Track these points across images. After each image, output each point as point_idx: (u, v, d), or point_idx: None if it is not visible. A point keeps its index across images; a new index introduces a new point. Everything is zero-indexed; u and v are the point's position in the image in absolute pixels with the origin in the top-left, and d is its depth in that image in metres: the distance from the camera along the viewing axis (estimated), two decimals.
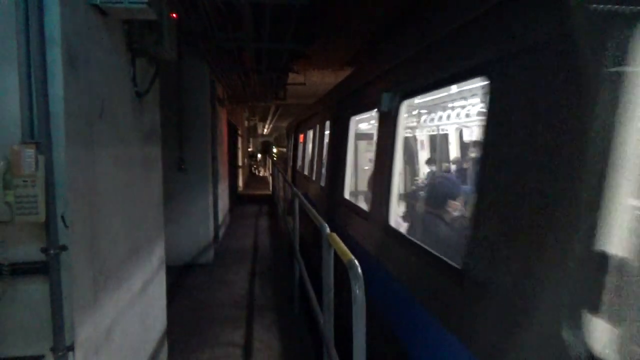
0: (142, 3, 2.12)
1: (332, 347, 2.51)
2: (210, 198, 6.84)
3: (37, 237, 1.80)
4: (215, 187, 7.12)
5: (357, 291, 1.77)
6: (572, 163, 1.29)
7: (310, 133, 7.44)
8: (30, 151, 1.68)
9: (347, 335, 2.03)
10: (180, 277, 5.96)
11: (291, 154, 10.84)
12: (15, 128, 1.73)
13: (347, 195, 4.31)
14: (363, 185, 4.16)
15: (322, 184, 5.61)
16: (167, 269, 3.61)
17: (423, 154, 5.86)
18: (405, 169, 3.51)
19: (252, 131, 26.91)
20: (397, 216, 3.20)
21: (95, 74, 2.14)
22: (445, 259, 2.02)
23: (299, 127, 9.56)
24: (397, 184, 2.99)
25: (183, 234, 6.43)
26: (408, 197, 3.68)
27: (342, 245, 2.14)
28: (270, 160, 23.51)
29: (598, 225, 1.20)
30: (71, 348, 1.84)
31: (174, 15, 2.83)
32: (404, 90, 2.81)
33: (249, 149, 26.87)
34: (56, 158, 1.78)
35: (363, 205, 3.98)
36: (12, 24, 1.71)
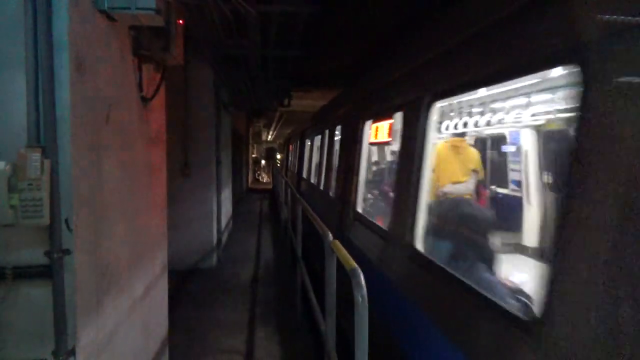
0: (150, 10, 2.14)
1: (334, 355, 2.50)
2: (214, 203, 6.85)
3: (41, 240, 1.80)
4: (219, 192, 7.14)
5: (360, 299, 1.77)
6: None
7: (292, 146, 13.56)
8: (36, 155, 1.69)
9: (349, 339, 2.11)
10: (183, 282, 5.95)
11: (285, 157, 18.30)
12: (22, 132, 1.74)
13: (304, 175, 9.24)
14: (310, 170, 8.61)
15: (295, 171, 11.19)
16: (169, 273, 3.61)
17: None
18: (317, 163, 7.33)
19: (257, 137, 26.97)
20: (315, 178, 7.42)
21: (102, 79, 2.16)
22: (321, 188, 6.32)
23: (288, 142, 16.44)
24: (315, 168, 7.44)
25: (186, 238, 6.43)
26: (316, 171, 7.48)
27: (345, 252, 2.14)
28: (273, 166, 24.45)
29: None
30: (73, 352, 1.84)
31: (181, 21, 2.86)
32: (312, 135, 8.22)
33: (253, 155, 26.92)
34: (62, 162, 1.79)
35: (307, 177, 8.74)
36: (20, 29, 1.73)
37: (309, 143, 8.76)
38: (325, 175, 6.02)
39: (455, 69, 2.18)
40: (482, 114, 3.61)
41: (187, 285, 5.89)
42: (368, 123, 3.90)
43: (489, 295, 1.65)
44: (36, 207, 1.71)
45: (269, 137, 29.87)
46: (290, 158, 14.75)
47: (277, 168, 19.02)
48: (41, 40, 1.73)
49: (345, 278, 1.93)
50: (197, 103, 6.42)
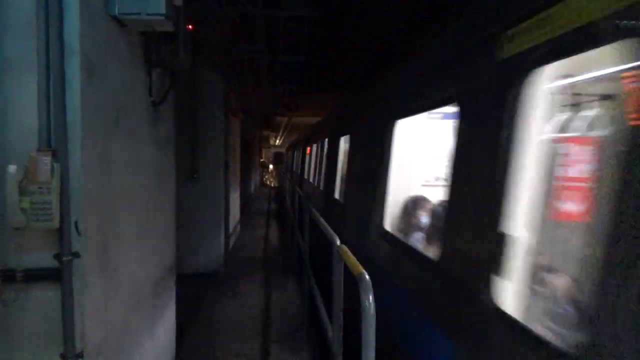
0: (160, 15, 2.16)
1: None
2: (222, 208, 6.87)
3: (50, 243, 1.82)
4: (227, 196, 7.15)
5: (367, 304, 1.75)
6: None
7: (290, 153, 18.41)
8: (46, 159, 1.71)
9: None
10: (190, 286, 5.96)
11: (288, 160, 24.12)
12: (33, 135, 1.76)
13: (294, 169, 14.12)
14: (296, 165, 12.48)
15: (291, 168, 15.89)
16: (177, 277, 3.62)
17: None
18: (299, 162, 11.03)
19: (264, 142, 27.05)
20: (298, 169, 12.40)
21: (112, 84, 2.18)
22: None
23: (288, 150, 22.01)
24: (298, 164, 12.48)
25: (194, 242, 6.45)
26: (299, 166, 11.89)
27: (353, 257, 2.13)
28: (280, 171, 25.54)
29: None
30: (81, 355, 1.84)
31: (190, 26, 2.88)
32: (299, 147, 12.63)
33: (261, 159, 27.02)
34: (72, 166, 1.81)
35: (295, 170, 13.55)
36: (32, 34, 1.75)
37: (298, 152, 13.95)
38: (297, 167, 12.08)
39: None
40: None
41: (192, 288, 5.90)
42: (306, 147, 9.20)
43: None
44: (46, 211, 1.72)
45: (277, 141, 29.93)
46: (289, 160, 21.81)
47: (283, 171, 23.90)
48: (52, 45, 1.75)
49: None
50: (205, 107, 6.45)
